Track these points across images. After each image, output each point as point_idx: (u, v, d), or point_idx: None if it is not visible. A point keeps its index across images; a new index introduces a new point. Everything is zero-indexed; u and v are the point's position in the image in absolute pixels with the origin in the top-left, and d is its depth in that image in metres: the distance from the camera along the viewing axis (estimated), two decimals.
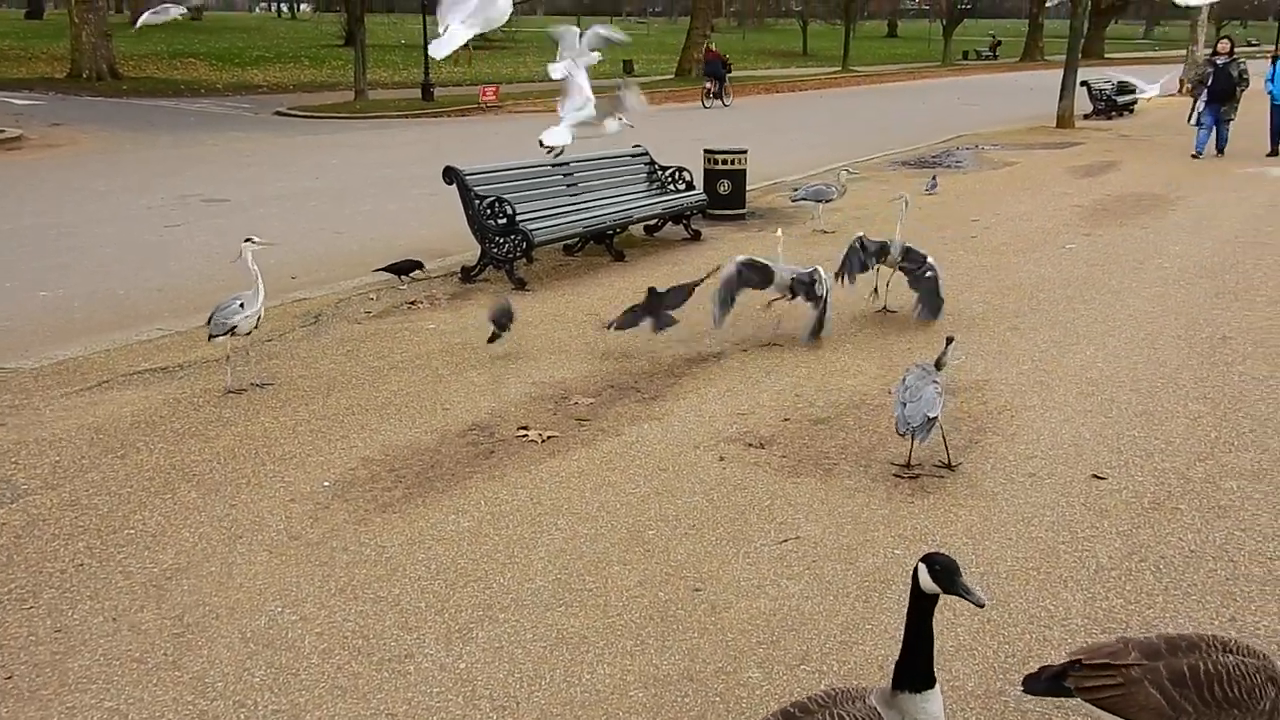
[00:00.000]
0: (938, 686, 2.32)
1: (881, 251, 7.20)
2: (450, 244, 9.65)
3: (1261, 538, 4.05)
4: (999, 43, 64.21)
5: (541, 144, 8.17)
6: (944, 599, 2.32)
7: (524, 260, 8.49)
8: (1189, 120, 17.06)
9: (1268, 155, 16.22)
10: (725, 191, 11.09)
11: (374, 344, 6.72)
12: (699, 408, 5.52)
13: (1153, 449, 4.92)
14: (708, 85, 30.65)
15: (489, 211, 8.28)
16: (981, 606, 2.27)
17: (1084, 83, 23.43)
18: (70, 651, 3.38)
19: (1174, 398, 5.60)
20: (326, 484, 4.61)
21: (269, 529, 4.19)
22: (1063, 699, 2.80)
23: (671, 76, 40.82)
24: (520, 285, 8.20)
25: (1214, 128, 16.22)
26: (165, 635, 3.46)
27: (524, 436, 5.13)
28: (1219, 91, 15.92)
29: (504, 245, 8.24)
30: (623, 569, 3.87)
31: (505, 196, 8.34)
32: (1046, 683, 2.61)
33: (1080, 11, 22.67)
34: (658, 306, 6.53)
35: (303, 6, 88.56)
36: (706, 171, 11.13)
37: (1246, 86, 15.99)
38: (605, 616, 3.57)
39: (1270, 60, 16.73)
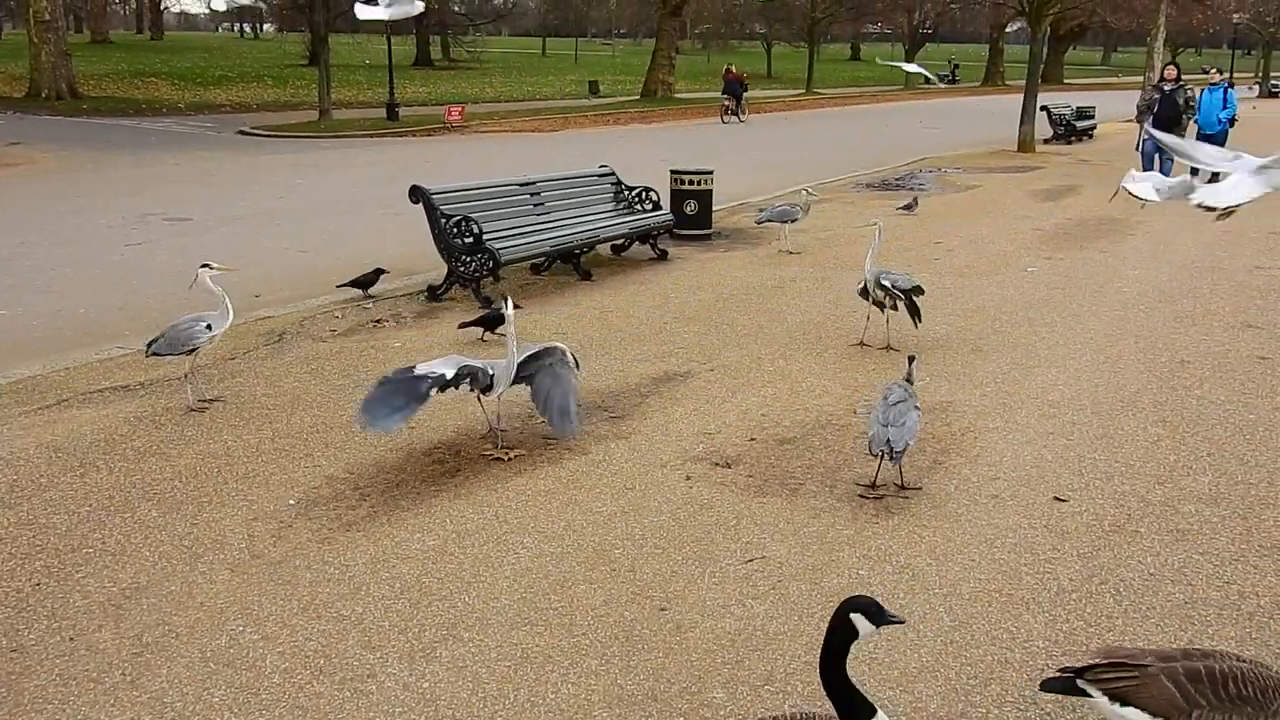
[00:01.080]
0: (880, 711, 2.33)
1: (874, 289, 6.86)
2: (416, 263, 9.62)
3: (1219, 561, 4.12)
4: (957, 66, 65.22)
5: None
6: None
7: (491, 279, 8.48)
8: (1137, 148, 16.51)
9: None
10: (692, 212, 11.15)
11: (339, 362, 6.67)
12: (666, 427, 5.53)
13: (1113, 471, 4.99)
14: (726, 103, 33.30)
15: (455, 230, 8.27)
16: (903, 623, 2.40)
17: (1044, 107, 23.86)
18: (26, 671, 3.31)
19: (1134, 421, 5.69)
20: (290, 502, 4.56)
21: (231, 548, 4.14)
22: (1045, 703, 2.82)
23: (637, 97, 41.03)
24: (486, 304, 8.17)
25: (1156, 156, 14.97)
26: (124, 655, 3.40)
27: (489, 455, 5.11)
28: (1164, 119, 15.17)
29: (470, 264, 8.22)
30: (588, 588, 3.87)
31: (472, 215, 8.33)
32: (1062, 683, 2.66)
33: (1039, 37, 23.14)
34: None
35: (265, 26, 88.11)
36: (673, 192, 11.20)
37: (1194, 115, 15.58)
38: (570, 636, 3.55)
39: (1200, 90, 16.27)
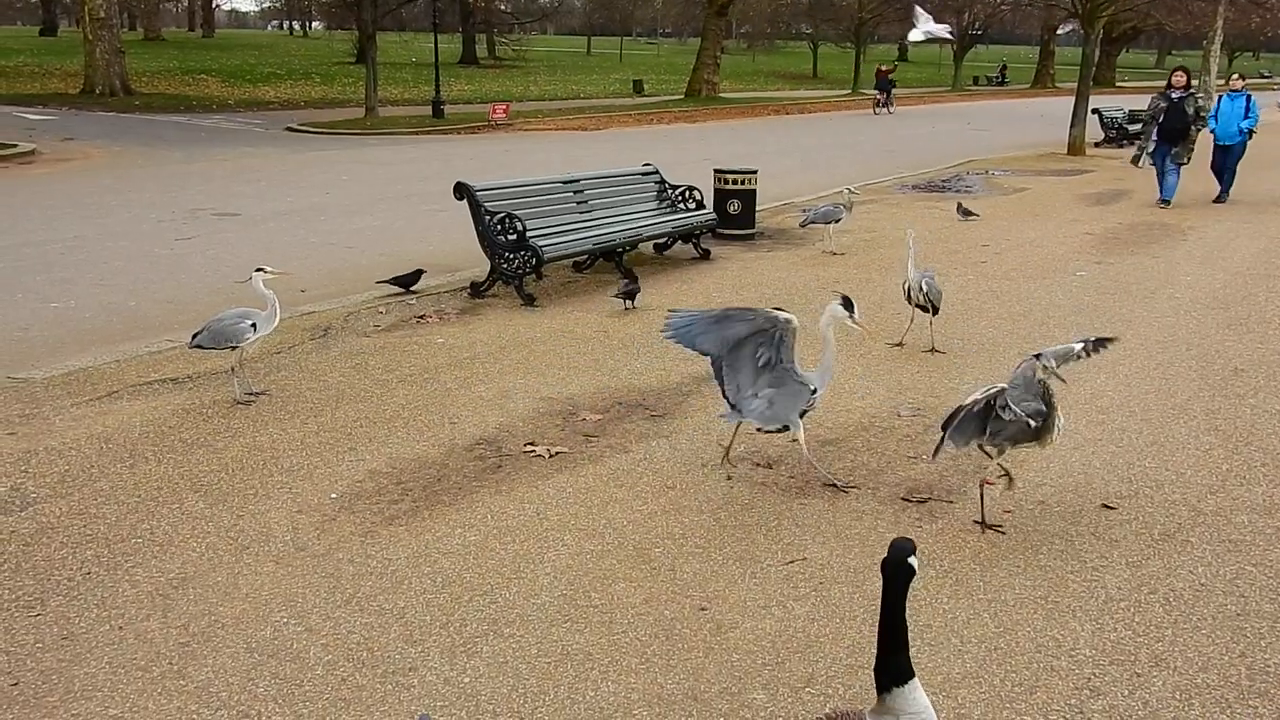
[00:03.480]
0: (916, 679, 2.28)
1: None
2: (460, 259, 9.68)
3: (1273, 573, 4.02)
4: (1006, 68, 64.44)
5: None
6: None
7: (533, 276, 8.51)
8: (1134, 162, 15.07)
9: (1214, 201, 14.39)
10: (735, 211, 11.11)
11: (382, 357, 6.73)
12: (707, 426, 5.52)
13: (1163, 480, 4.89)
14: (878, 96, 38.98)
15: (499, 227, 8.31)
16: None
17: (1095, 110, 23.47)
18: (77, 659, 3.37)
19: (1185, 429, 5.58)
20: (333, 496, 4.61)
21: (276, 540, 4.19)
22: None
23: (681, 96, 40.99)
24: (529, 301, 8.21)
25: (1164, 171, 14.04)
26: (171, 644, 3.45)
27: (531, 452, 5.12)
28: (1169, 130, 13.79)
29: (513, 261, 8.26)
30: (628, 586, 3.86)
31: (515, 213, 8.36)
32: None
33: (1092, 39, 22.76)
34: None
35: (314, 24, 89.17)
36: (716, 191, 11.17)
37: (1203, 126, 14.00)
38: (610, 634, 3.55)
39: (1217, 96, 14.80)
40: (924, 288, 6.76)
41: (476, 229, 8.44)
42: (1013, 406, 4.12)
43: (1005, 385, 4.19)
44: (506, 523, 4.37)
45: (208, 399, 5.86)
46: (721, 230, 10.93)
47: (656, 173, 10.53)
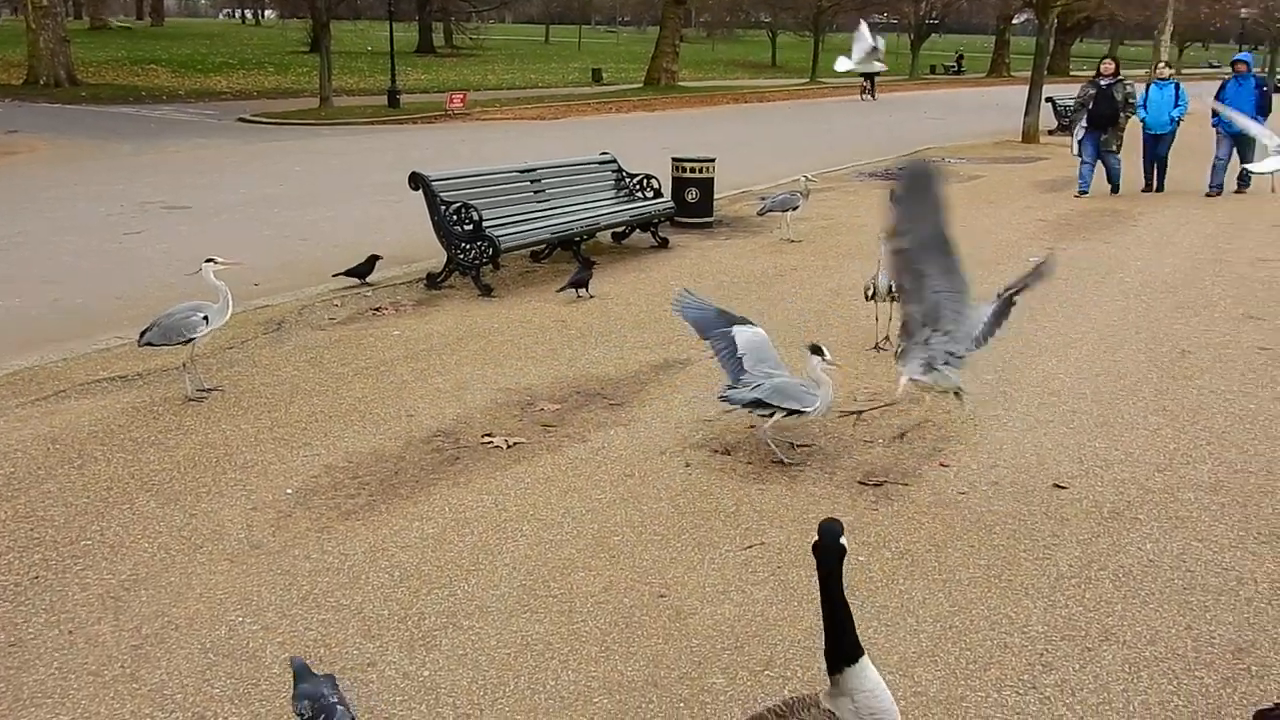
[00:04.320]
0: (866, 656, 2.30)
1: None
2: (416, 250, 9.60)
3: (1218, 548, 4.11)
4: (962, 57, 64.96)
5: None
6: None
7: (490, 267, 8.47)
8: (1074, 152, 14.76)
9: (1143, 190, 14.37)
10: (693, 200, 11.12)
11: (337, 350, 6.67)
12: (665, 414, 5.53)
13: (1113, 459, 4.98)
14: (864, 84, 39.64)
15: (455, 218, 8.25)
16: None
17: (1049, 99, 23.73)
18: (25, 666, 3.31)
19: (1134, 409, 5.68)
20: (289, 492, 4.56)
21: (230, 538, 4.14)
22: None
23: (640, 85, 40.93)
24: (486, 292, 8.17)
25: (1097, 160, 14.02)
26: (123, 648, 3.41)
27: (489, 443, 5.11)
28: (1099, 117, 13.77)
29: (470, 251, 8.21)
30: (588, 575, 3.87)
31: (472, 203, 8.32)
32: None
33: (1046, 29, 23.00)
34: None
35: (267, 13, 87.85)
36: (674, 179, 11.16)
37: (1133, 112, 13.87)
38: (570, 623, 3.56)
39: (1145, 85, 14.56)
40: (893, 290, 6.72)
41: (432, 219, 8.38)
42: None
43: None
44: (464, 514, 4.36)
45: (158, 396, 5.77)
46: (679, 219, 10.94)
47: (614, 161, 10.51)
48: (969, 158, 19.14)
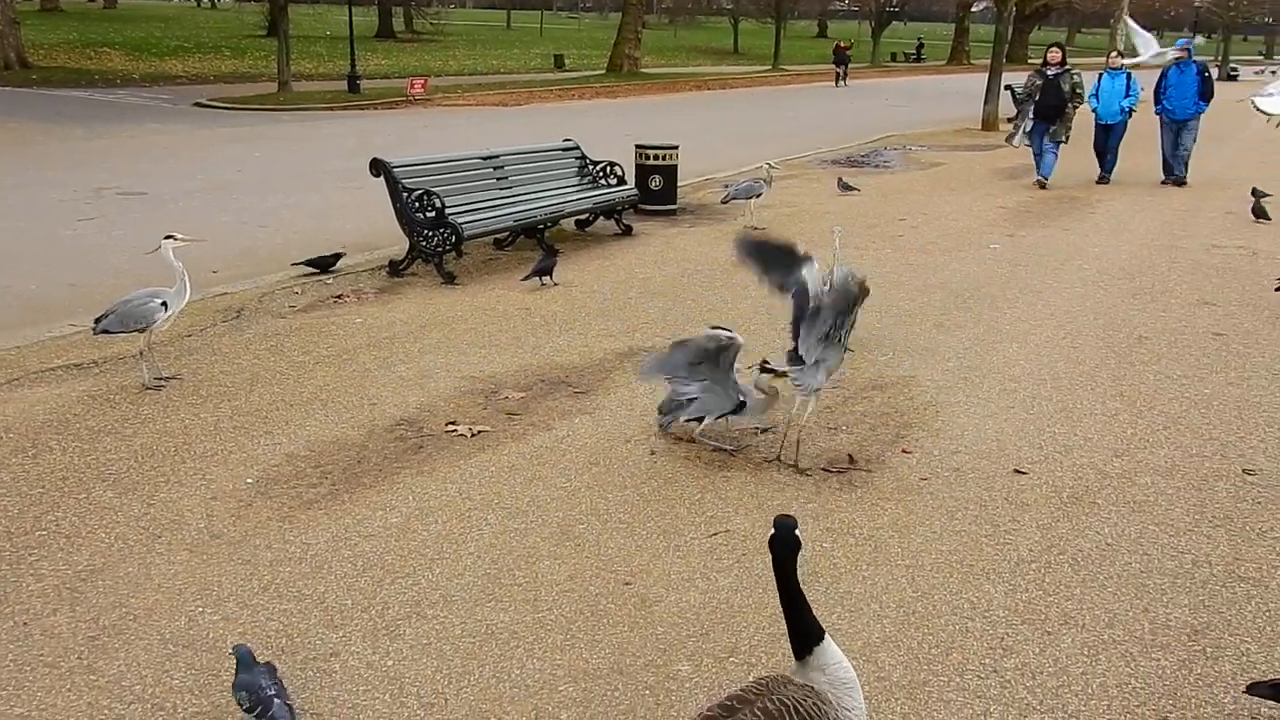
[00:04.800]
0: (827, 635, 2.41)
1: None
2: (378, 238, 9.51)
3: (1174, 531, 4.18)
4: (922, 45, 65.36)
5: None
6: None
7: (453, 254, 8.40)
8: (1009, 140, 14.73)
9: (1097, 181, 14.19)
10: (657, 187, 11.11)
11: (298, 338, 6.59)
12: (630, 402, 5.52)
13: (1072, 445, 5.05)
14: (837, 70, 41.61)
15: (417, 204, 8.17)
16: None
17: (1008, 86, 23.94)
18: None
19: (1093, 395, 5.75)
20: (249, 481, 4.51)
21: (189, 528, 4.08)
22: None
23: (602, 71, 40.76)
24: (449, 279, 8.11)
25: (1041, 150, 13.76)
26: (80, 639, 3.35)
27: (453, 431, 5.07)
28: (1046, 108, 13.43)
29: (433, 239, 8.14)
30: (553, 563, 3.86)
31: (434, 189, 8.24)
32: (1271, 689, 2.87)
33: (1004, 16, 23.21)
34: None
35: None
36: (638, 167, 11.14)
37: (1080, 103, 13.57)
38: (535, 611, 3.55)
39: (1098, 74, 14.26)
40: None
41: (394, 206, 8.30)
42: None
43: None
44: (429, 503, 4.33)
45: (115, 385, 5.67)
46: (643, 206, 10.92)
47: (577, 148, 10.46)
48: (930, 144, 19.28)
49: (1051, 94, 13.40)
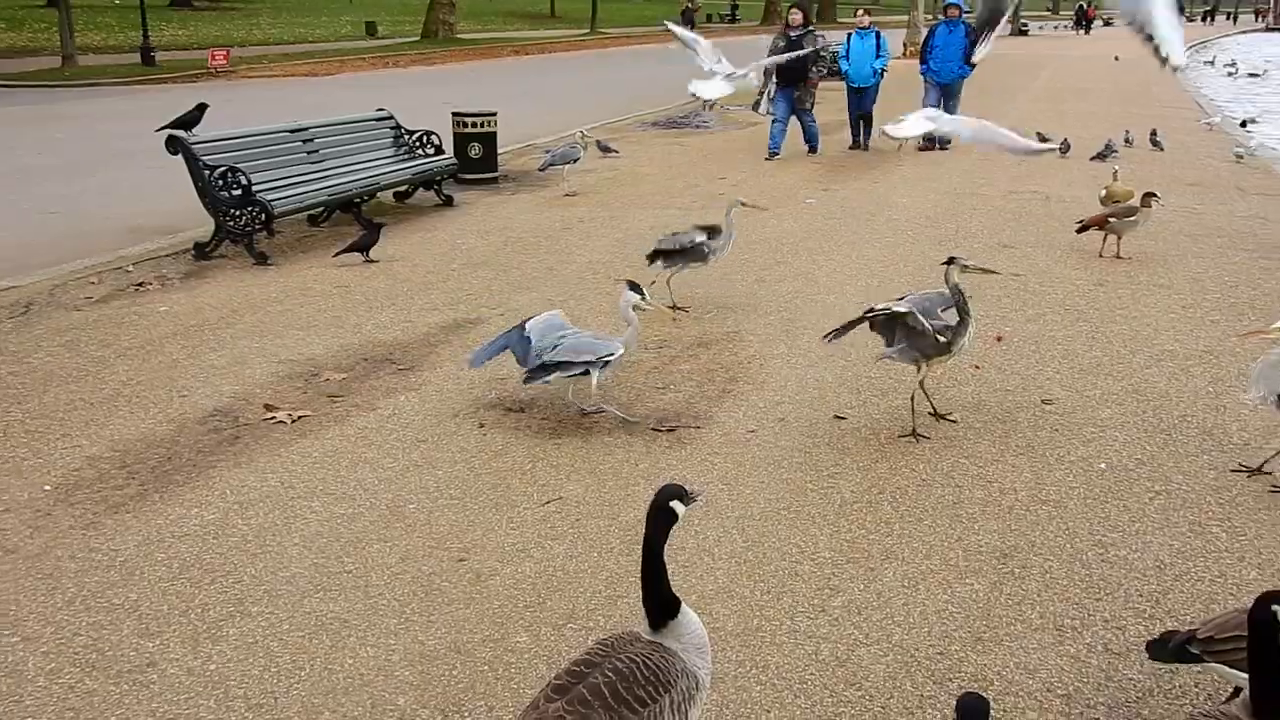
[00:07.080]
0: (684, 604, 2.42)
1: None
2: (184, 219, 8.97)
3: (982, 463, 4.44)
4: (737, 6, 66.38)
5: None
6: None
7: (264, 233, 8.01)
8: (754, 108, 13.91)
9: (850, 149, 13.64)
10: (476, 155, 10.90)
11: (97, 332, 6.16)
12: (457, 376, 5.42)
13: (886, 388, 5.27)
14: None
15: (221, 182, 7.75)
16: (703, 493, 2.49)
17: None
18: None
19: None
20: (47, 489, 4.19)
21: None
22: None
23: (417, 38, 39.66)
24: (261, 260, 7.74)
25: (790, 118, 12.90)
26: None
27: (271, 419, 4.86)
28: (788, 71, 12.39)
29: (240, 218, 7.74)
30: (383, 546, 3.76)
31: (239, 166, 7.83)
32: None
33: None
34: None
35: None
36: (456, 135, 10.89)
37: (824, 72, 12.72)
38: (366, 597, 3.45)
39: (846, 35, 13.64)
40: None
41: (196, 185, 7.84)
42: (921, 319, 4.50)
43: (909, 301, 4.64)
44: (248, 496, 4.14)
45: None
46: (463, 175, 10.70)
47: (391, 118, 10.13)
48: (746, 105, 19.61)
49: (793, 57, 12.14)
